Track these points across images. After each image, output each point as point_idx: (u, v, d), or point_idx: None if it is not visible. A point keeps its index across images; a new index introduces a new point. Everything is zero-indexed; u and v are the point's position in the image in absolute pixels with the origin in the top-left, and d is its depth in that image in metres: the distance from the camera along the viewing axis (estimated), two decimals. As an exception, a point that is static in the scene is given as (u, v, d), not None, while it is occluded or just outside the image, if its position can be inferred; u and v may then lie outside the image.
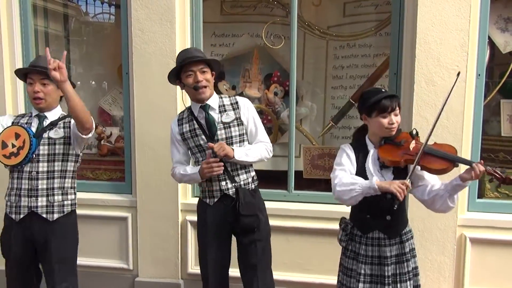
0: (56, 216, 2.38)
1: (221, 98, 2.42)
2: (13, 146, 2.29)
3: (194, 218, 3.02)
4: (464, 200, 2.97)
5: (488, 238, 2.93)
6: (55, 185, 2.38)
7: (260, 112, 3.76)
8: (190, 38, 3.16)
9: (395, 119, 2.07)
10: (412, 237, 2.20)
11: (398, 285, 2.12)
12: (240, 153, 2.31)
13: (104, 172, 3.73)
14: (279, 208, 3.13)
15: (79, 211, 3.31)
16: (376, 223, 2.12)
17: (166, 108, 3.11)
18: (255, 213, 2.35)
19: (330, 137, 3.87)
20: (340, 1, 3.82)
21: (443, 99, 2.02)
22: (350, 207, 2.24)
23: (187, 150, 2.46)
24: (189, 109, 2.41)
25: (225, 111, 2.37)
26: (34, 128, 2.38)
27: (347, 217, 2.28)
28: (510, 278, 2.94)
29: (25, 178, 2.34)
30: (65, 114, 2.47)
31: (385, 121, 2.05)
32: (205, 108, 2.34)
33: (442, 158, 2.00)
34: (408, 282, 2.12)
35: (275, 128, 3.83)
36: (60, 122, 2.41)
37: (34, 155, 2.31)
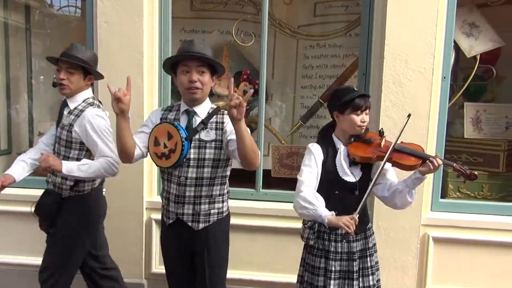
0: (201, 226, 2.17)
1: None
2: (165, 146, 2.07)
3: (159, 216, 2.97)
4: (428, 200, 3.02)
5: (450, 237, 2.99)
6: (203, 193, 2.14)
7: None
8: (158, 32, 3.09)
9: (366, 118, 2.12)
10: (373, 233, 2.27)
11: (364, 279, 2.17)
12: (70, 167, 2.25)
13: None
14: (246, 207, 3.10)
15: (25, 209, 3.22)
16: None
17: (132, 103, 2.93)
18: None
19: (298, 136, 3.88)
20: (311, 1, 3.84)
21: (395, 136, 2.10)
22: None
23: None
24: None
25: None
26: (183, 125, 2.14)
27: None
28: (472, 277, 3.02)
29: (174, 183, 2.15)
30: (214, 108, 2.20)
31: (357, 118, 2.09)
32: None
33: (412, 155, 2.09)
34: (371, 276, 2.18)
35: (244, 127, 3.80)
36: (212, 121, 2.14)
37: (184, 160, 2.09)
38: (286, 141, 3.81)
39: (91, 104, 2.46)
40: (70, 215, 2.47)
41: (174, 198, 2.16)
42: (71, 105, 2.44)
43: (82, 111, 2.41)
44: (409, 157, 2.09)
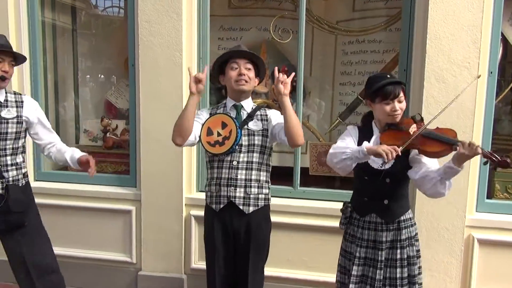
0: (251, 209, 2.33)
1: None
2: (219, 135, 2.28)
3: (199, 213, 3.03)
4: (473, 200, 2.91)
5: (496, 239, 2.88)
6: (253, 177, 2.33)
7: (268, 107, 3.71)
8: (197, 30, 3.12)
9: (399, 106, 2.05)
10: (411, 226, 2.18)
11: (390, 269, 2.13)
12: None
13: (110, 165, 3.72)
14: (284, 205, 3.10)
15: (82, 203, 3.36)
16: (373, 206, 2.14)
17: (172, 101, 3.09)
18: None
19: (337, 133, 3.81)
20: (350, -4, 3.77)
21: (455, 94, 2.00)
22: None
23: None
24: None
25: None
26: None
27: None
28: (518, 280, 2.89)
29: (225, 168, 2.32)
30: (256, 105, 2.45)
31: (388, 107, 2.04)
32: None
33: (439, 140, 1.97)
34: (399, 269, 2.12)
35: (282, 124, 3.79)
36: (257, 114, 2.38)
37: (237, 146, 2.29)
38: (325, 139, 3.77)
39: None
40: (33, 200, 2.60)
41: (226, 181, 2.33)
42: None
43: (22, 101, 2.48)
44: (436, 142, 1.96)
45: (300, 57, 3.08)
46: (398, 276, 2.12)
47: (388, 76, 2.09)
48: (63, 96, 4.06)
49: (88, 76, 4.49)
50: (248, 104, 2.40)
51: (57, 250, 3.39)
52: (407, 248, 2.15)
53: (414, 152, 2.06)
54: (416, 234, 2.21)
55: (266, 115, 2.39)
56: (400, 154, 1.89)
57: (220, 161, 2.34)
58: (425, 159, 2.07)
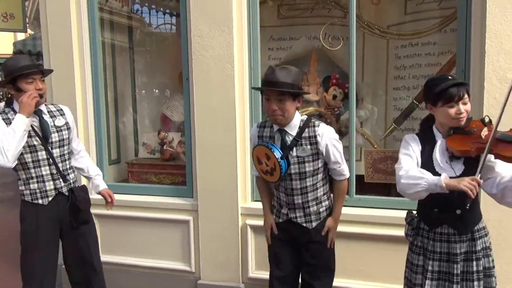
0: (314, 224, 2.38)
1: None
2: (267, 165, 2.30)
3: (254, 222, 3.07)
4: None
5: None
6: (309, 199, 2.35)
7: (319, 116, 3.70)
8: (247, 42, 3.18)
9: (464, 108, 1.94)
10: (486, 235, 2.05)
11: (466, 283, 2.00)
12: None
13: (167, 176, 3.84)
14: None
15: (143, 214, 3.48)
16: (445, 218, 2.00)
17: (225, 112, 3.15)
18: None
19: (392, 139, 3.73)
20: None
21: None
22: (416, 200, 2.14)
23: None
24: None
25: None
26: (278, 143, 2.32)
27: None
28: None
29: (282, 192, 2.37)
30: (304, 120, 2.31)
31: (452, 111, 1.93)
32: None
33: None
34: (476, 282, 1.99)
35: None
36: (305, 136, 2.27)
37: (286, 175, 2.28)
38: (379, 145, 3.69)
39: None
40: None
41: (285, 204, 2.39)
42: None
43: (62, 109, 2.72)
44: None
45: (352, 63, 3.04)
46: None
47: (450, 77, 1.99)
48: (122, 111, 4.26)
49: (144, 91, 4.68)
50: (293, 127, 2.29)
51: (118, 259, 3.58)
52: (483, 259, 2.02)
53: (488, 157, 1.89)
54: (490, 243, 2.08)
55: (315, 137, 2.26)
56: (481, 182, 1.79)
57: (277, 185, 2.37)
58: (499, 167, 1.94)
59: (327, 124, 2.36)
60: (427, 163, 2.00)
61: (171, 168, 3.86)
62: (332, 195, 2.47)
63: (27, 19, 7.25)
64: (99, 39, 3.62)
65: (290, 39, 3.90)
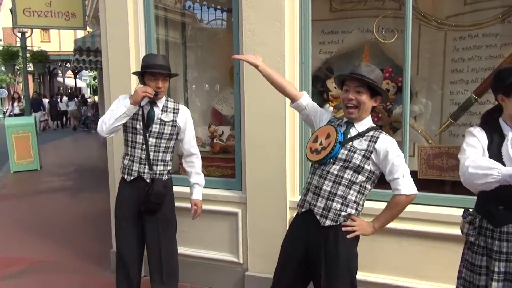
0: (328, 222, 2.22)
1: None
2: (321, 144, 2.26)
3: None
4: None
5: None
6: (339, 192, 2.21)
7: (372, 110, 3.61)
8: (299, 37, 3.17)
9: None
10: None
11: None
12: None
13: (216, 169, 3.92)
14: (391, 210, 2.98)
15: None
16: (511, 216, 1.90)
17: (275, 107, 3.16)
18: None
19: (448, 135, 3.59)
20: (461, -11, 3.53)
21: None
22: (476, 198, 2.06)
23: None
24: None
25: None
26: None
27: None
28: None
29: (317, 175, 2.28)
30: (374, 126, 2.30)
31: None
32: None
33: None
34: None
35: (387, 127, 3.67)
36: (368, 135, 2.23)
37: (331, 159, 2.22)
38: (434, 141, 3.56)
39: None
40: (171, 196, 2.97)
41: (313, 188, 2.28)
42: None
43: (178, 109, 2.94)
44: None
45: (407, 56, 2.95)
46: None
47: None
48: (175, 105, 4.36)
49: (195, 86, 4.78)
50: (361, 125, 2.26)
51: (172, 248, 3.68)
52: None
53: None
54: None
55: (377, 138, 2.20)
56: None
57: (316, 168, 2.31)
58: None
59: (378, 119, 2.29)
60: (495, 156, 1.90)
61: (220, 161, 3.93)
62: (359, 214, 2.30)
63: (86, 17, 7.62)
64: (154, 36, 3.73)
65: (342, 33, 3.84)
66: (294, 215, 2.49)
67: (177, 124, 2.88)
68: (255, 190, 3.33)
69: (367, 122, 2.28)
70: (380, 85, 2.21)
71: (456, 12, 3.55)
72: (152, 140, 2.81)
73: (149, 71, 2.75)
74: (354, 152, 2.20)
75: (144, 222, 2.88)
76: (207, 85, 4.91)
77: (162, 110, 2.85)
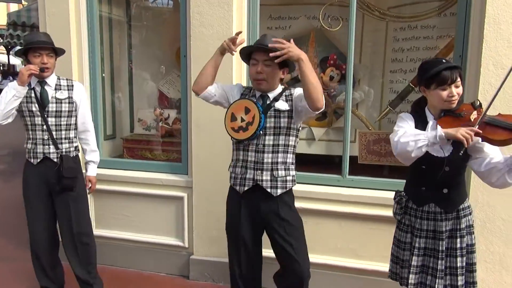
0: (279, 191, 2.35)
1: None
2: (242, 120, 2.26)
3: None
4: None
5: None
6: (279, 160, 2.34)
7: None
8: (246, 20, 3.16)
9: (456, 91, 2.00)
10: (470, 214, 2.16)
11: (450, 259, 2.12)
12: None
13: (162, 153, 3.86)
14: (333, 193, 3.10)
15: (137, 189, 3.51)
16: (432, 196, 2.11)
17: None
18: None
19: (387, 122, 3.76)
20: (402, -19, 3.66)
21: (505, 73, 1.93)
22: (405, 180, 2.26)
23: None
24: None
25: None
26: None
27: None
28: None
29: (251, 151, 2.33)
30: (286, 87, 2.42)
31: (444, 93, 2.00)
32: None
33: (505, 128, 1.91)
34: (459, 258, 2.11)
35: (330, 113, 3.78)
36: (283, 95, 2.35)
37: (261, 131, 2.28)
38: (374, 127, 3.72)
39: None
40: (81, 171, 2.98)
41: (253, 165, 2.33)
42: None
43: (72, 85, 2.91)
44: (501, 130, 1.90)
45: (351, 44, 3.04)
46: (459, 265, 2.11)
47: (444, 61, 2.04)
48: (118, 87, 4.24)
49: (140, 67, 4.64)
50: (275, 94, 2.35)
51: (113, 233, 3.63)
52: (467, 236, 2.13)
53: (475, 140, 1.96)
54: (473, 222, 2.18)
55: (291, 94, 2.34)
56: (479, 132, 1.88)
57: (246, 144, 2.33)
58: (487, 148, 2.02)
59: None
60: None
61: (166, 145, 3.88)
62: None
63: (21, -11, 7.12)
64: (96, 13, 3.57)
65: (289, 19, 3.87)
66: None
67: (73, 100, 2.88)
68: (201, 174, 3.33)
69: (279, 90, 2.37)
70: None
71: (397, 3, 3.68)
72: (51, 120, 2.80)
73: (30, 46, 2.71)
74: (280, 117, 2.29)
75: (56, 202, 2.88)
76: (153, 67, 4.78)
77: (55, 89, 2.83)
